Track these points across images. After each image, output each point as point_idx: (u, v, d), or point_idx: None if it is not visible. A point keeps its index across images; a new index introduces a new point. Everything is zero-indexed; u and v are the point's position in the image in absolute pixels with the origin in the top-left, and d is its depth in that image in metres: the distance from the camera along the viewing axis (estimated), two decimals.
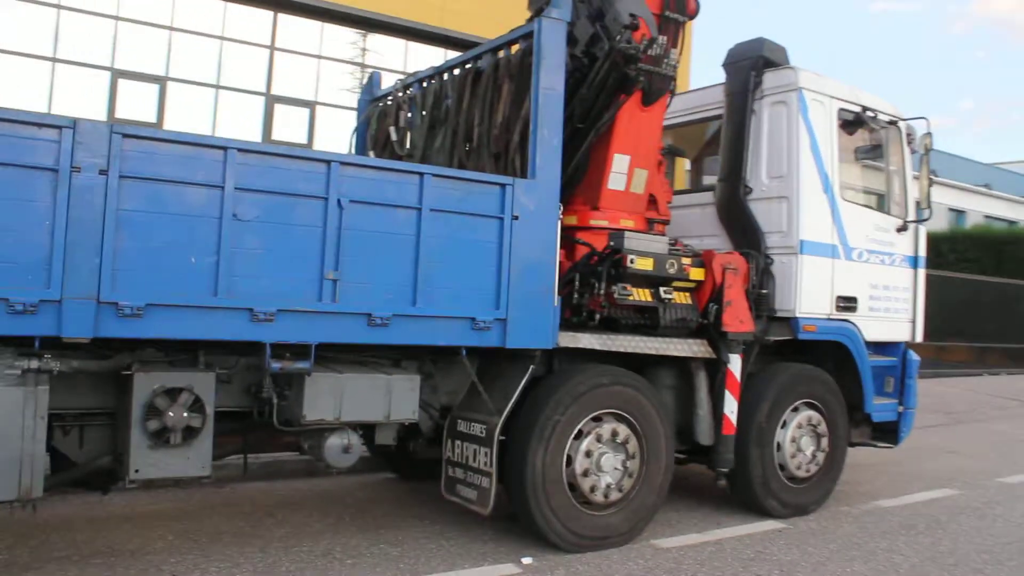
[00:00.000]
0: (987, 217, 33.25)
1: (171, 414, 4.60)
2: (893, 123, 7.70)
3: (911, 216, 7.76)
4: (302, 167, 4.77)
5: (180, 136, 4.51)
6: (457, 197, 5.25)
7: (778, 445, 6.87)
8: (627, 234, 6.20)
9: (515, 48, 6.10)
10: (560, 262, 5.72)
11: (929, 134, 7.62)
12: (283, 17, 13.35)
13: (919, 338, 7.85)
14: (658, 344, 6.30)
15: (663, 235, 6.72)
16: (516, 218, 5.41)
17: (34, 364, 4.26)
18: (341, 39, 13.98)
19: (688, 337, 6.51)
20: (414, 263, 5.08)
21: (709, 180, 8.13)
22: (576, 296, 6.15)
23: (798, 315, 6.94)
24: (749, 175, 7.24)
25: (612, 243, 6.16)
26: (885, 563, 5.86)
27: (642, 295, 6.27)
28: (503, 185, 5.41)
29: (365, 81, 8.55)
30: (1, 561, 5.11)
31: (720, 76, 7.64)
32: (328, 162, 4.82)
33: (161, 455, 4.64)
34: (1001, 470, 9.31)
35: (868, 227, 7.43)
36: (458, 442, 5.82)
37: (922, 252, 7.90)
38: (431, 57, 13.61)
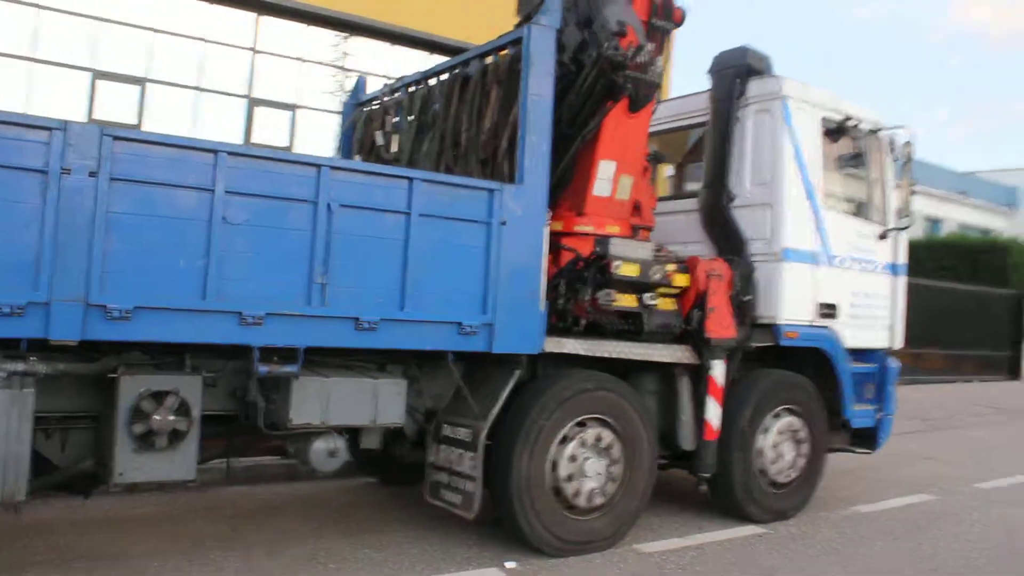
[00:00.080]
0: (962, 225, 33.63)
1: (157, 417, 4.57)
2: (875, 132, 7.79)
3: (892, 224, 7.85)
4: (292, 171, 4.77)
5: (171, 139, 4.50)
6: (446, 202, 5.27)
7: (759, 451, 6.92)
8: (612, 240, 6.25)
9: (503, 54, 6.12)
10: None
11: (910, 143, 7.72)
12: (265, 19, 13.30)
13: (898, 345, 7.95)
14: (642, 350, 6.34)
15: (648, 241, 6.77)
16: (504, 223, 5.44)
17: (20, 366, 4.23)
18: (323, 42, 13.94)
19: (672, 343, 6.56)
20: (402, 267, 5.10)
21: (692, 187, 8.19)
22: (561, 301, 6.18)
23: (780, 322, 7.00)
24: (733, 182, 7.30)
25: (598, 249, 6.20)
26: (865, 568, 5.93)
27: (627, 301, 6.31)
28: (491, 190, 5.44)
29: (348, 85, 8.54)
30: None
31: (701, 84, 7.72)
32: (318, 166, 4.83)
33: (146, 459, 4.61)
34: (977, 476, 9.43)
35: (850, 235, 7.52)
36: (443, 446, 5.83)
37: (902, 260, 8.00)
38: (414, 61, 13.61)
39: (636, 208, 6.90)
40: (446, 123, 6.63)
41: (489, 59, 6.30)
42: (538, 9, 5.85)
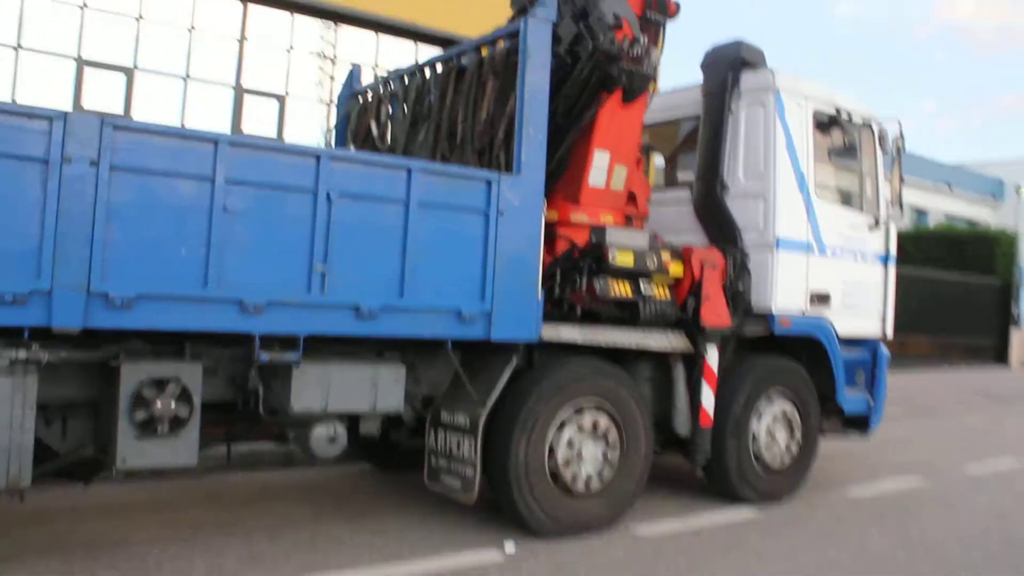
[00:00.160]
0: (948, 216, 33.87)
1: (159, 404, 4.62)
2: (866, 124, 7.87)
3: (882, 215, 7.94)
4: (292, 161, 4.82)
5: (171, 129, 4.55)
6: (444, 191, 5.32)
7: (753, 436, 7.02)
8: (609, 229, 6.31)
9: (500, 44, 6.15)
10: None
11: (901, 136, 7.81)
12: (253, 8, 13.24)
13: (889, 333, 8.05)
14: (637, 337, 6.40)
15: (642, 231, 6.83)
16: (501, 213, 5.49)
17: (23, 354, 4.25)
18: (310, 31, 13.89)
19: (667, 331, 6.62)
20: (401, 256, 5.14)
21: (684, 177, 8.25)
22: (557, 290, 6.23)
23: (774, 310, 7.09)
24: (726, 173, 7.36)
25: (594, 238, 6.25)
26: (857, 551, 6.02)
27: (622, 289, 6.36)
28: (489, 181, 5.48)
29: (336, 75, 8.53)
30: None
31: (689, 77, 7.77)
32: (318, 156, 4.86)
33: (148, 445, 4.65)
34: (964, 461, 9.55)
35: (841, 225, 7.61)
36: (442, 432, 5.89)
37: (893, 250, 8.10)
38: (401, 51, 13.60)
39: (630, 198, 6.96)
40: (441, 114, 6.66)
41: (485, 51, 6.34)
42: (534, 2, 5.89)
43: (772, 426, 7.11)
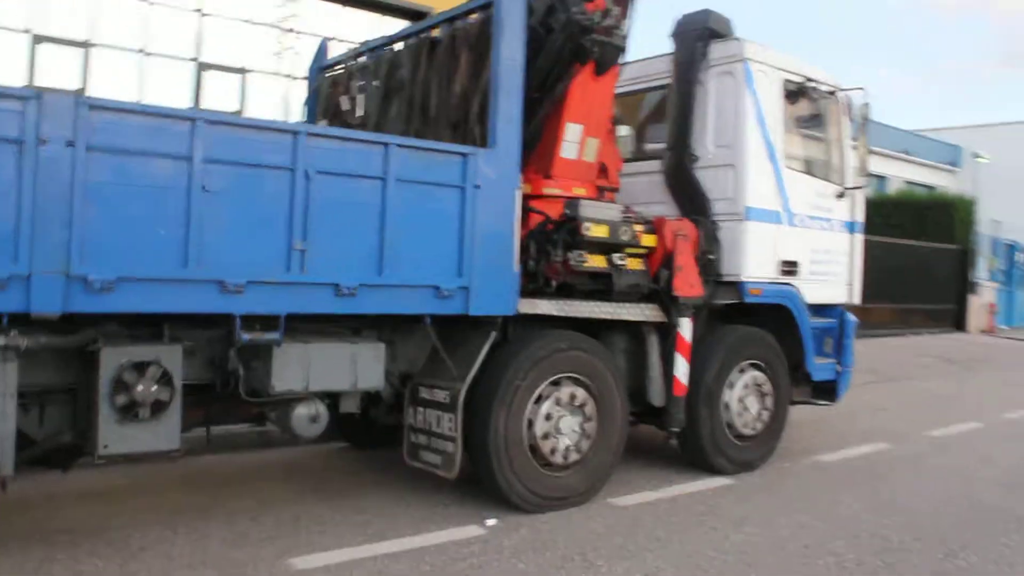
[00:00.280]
0: (908, 183, 34.31)
1: (139, 388, 4.57)
2: (833, 93, 7.96)
3: (849, 183, 8.05)
4: (270, 138, 4.78)
5: (148, 108, 4.48)
6: (421, 167, 5.31)
7: (726, 405, 7.13)
8: (582, 202, 6.34)
9: (473, 17, 6.12)
10: None
11: (867, 104, 7.90)
12: None
13: (856, 300, 8.20)
14: (612, 309, 6.46)
15: (614, 203, 6.87)
16: (478, 187, 5.49)
17: (1, 341, 4.19)
18: (269, 3, 13.64)
19: (640, 302, 6.69)
20: (380, 233, 5.14)
21: (653, 148, 8.28)
22: (532, 263, 6.25)
23: (744, 279, 7.18)
24: (696, 144, 7.41)
25: (568, 211, 6.28)
26: (829, 513, 6.18)
27: (596, 261, 6.40)
28: (465, 155, 5.48)
29: (297, 48, 8.39)
30: None
31: (661, 47, 7.80)
32: (295, 133, 4.82)
33: (130, 430, 4.61)
34: (929, 425, 9.80)
35: (809, 194, 7.71)
36: (420, 408, 5.91)
37: (859, 217, 8.23)
38: (365, 24, 13.41)
39: (602, 170, 6.98)
40: (414, 88, 6.62)
41: (458, 23, 6.30)
42: None
43: (744, 395, 7.22)
